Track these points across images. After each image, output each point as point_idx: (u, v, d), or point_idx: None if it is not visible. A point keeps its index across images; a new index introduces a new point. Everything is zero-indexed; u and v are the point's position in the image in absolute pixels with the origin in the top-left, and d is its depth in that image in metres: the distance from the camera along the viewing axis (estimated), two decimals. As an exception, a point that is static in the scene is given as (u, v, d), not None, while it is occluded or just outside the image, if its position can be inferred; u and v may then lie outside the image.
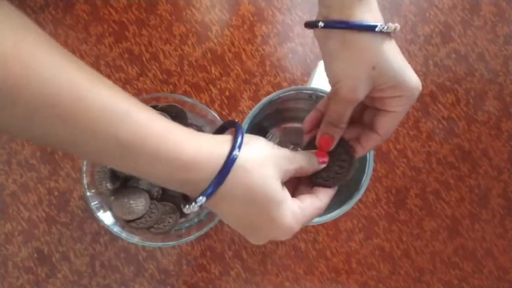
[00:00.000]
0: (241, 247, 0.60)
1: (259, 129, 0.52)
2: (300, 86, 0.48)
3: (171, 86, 0.61)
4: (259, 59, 0.62)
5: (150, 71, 0.61)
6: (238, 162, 0.29)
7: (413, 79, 0.32)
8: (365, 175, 0.47)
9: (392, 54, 0.32)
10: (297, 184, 0.37)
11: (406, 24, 0.63)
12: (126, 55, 0.61)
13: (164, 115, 0.33)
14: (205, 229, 0.52)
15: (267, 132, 0.60)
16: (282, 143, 0.59)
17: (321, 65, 0.50)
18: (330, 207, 0.49)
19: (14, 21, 0.23)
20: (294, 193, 0.35)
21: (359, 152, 0.36)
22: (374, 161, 0.60)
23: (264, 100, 0.47)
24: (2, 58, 0.22)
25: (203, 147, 0.29)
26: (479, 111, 0.63)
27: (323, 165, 0.35)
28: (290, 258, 0.60)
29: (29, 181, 0.59)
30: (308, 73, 0.62)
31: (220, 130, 0.38)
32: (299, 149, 0.37)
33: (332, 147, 0.35)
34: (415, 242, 0.61)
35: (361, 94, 0.32)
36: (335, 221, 0.60)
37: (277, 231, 0.31)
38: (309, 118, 0.38)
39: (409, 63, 0.63)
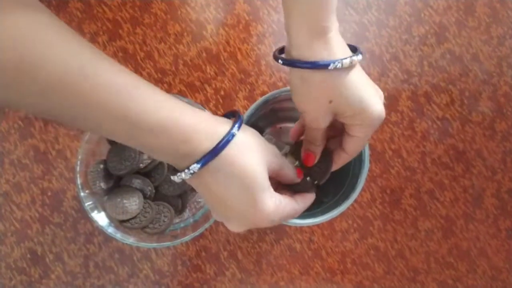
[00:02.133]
0: (236, 248, 0.60)
1: (255, 129, 0.52)
2: (296, 86, 0.48)
3: (165, 85, 0.61)
4: (255, 58, 0.61)
5: (144, 70, 0.60)
6: (234, 140, 0.31)
7: (372, 109, 0.33)
8: (360, 175, 0.47)
9: (350, 86, 0.33)
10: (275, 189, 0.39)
11: (401, 25, 0.63)
12: (120, 54, 0.60)
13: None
14: (200, 230, 0.52)
15: (262, 132, 0.59)
16: (277, 144, 0.59)
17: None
18: (326, 208, 0.49)
19: (27, 5, 0.25)
20: None
21: (334, 166, 0.39)
22: (369, 161, 0.61)
23: (260, 100, 0.47)
24: (19, 39, 0.24)
25: (203, 122, 0.31)
26: (473, 111, 0.63)
27: (298, 180, 0.38)
28: (285, 258, 0.60)
29: (22, 181, 0.58)
30: (303, 73, 0.61)
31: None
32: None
33: (314, 162, 0.38)
34: (410, 242, 0.61)
35: (322, 123, 0.35)
36: (330, 221, 0.60)
37: (257, 215, 0.32)
38: (294, 130, 0.42)
39: (404, 63, 0.63)
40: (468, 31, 0.64)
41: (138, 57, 0.60)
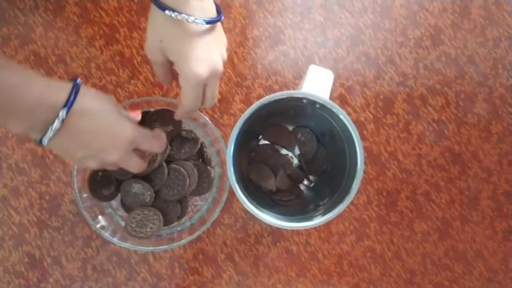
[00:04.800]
0: (233, 250, 0.60)
1: (250, 132, 0.53)
2: (291, 91, 0.48)
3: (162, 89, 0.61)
4: (251, 62, 0.62)
5: (141, 74, 0.61)
6: (84, 86, 0.36)
7: (186, 66, 0.38)
8: (356, 177, 0.47)
9: (179, 38, 0.37)
10: None
11: (397, 27, 0.63)
12: (117, 58, 0.60)
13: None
14: (197, 233, 0.52)
15: (258, 135, 0.60)
16: (273, 145, 0.59)
17: (312, 68, 0.50)
18: (322, 211, 0.50)
19: None
20: None
21: (176, 116, 0.45)
22: (365, 163, 0.61)
23: (256, 103, 0.47)
24: None
25: (53, 81, 0.35)
26: (469, 113, 0.63)
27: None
28: (282, 260, 0.60)
29: (19, 185, 0.59)
30: (299, 76, 0.62)
31: None
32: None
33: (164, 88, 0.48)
34: (406, 244, 0.61)
35: (155, 57, 0.40)
36: (327, 224, 0.60)
37: (124, 128, 0.39)
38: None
39: (399, 66, 0.64)
40: (464, 33, 0.64)
41: (135, 61, 0.61)
